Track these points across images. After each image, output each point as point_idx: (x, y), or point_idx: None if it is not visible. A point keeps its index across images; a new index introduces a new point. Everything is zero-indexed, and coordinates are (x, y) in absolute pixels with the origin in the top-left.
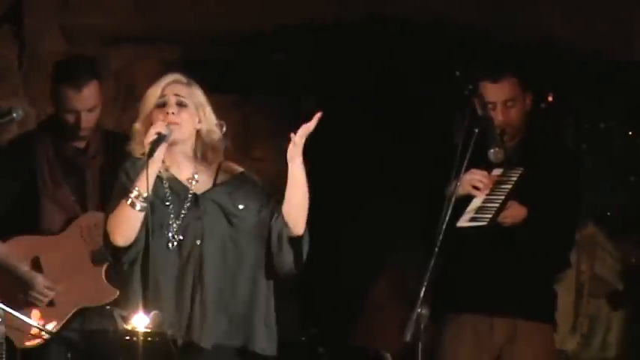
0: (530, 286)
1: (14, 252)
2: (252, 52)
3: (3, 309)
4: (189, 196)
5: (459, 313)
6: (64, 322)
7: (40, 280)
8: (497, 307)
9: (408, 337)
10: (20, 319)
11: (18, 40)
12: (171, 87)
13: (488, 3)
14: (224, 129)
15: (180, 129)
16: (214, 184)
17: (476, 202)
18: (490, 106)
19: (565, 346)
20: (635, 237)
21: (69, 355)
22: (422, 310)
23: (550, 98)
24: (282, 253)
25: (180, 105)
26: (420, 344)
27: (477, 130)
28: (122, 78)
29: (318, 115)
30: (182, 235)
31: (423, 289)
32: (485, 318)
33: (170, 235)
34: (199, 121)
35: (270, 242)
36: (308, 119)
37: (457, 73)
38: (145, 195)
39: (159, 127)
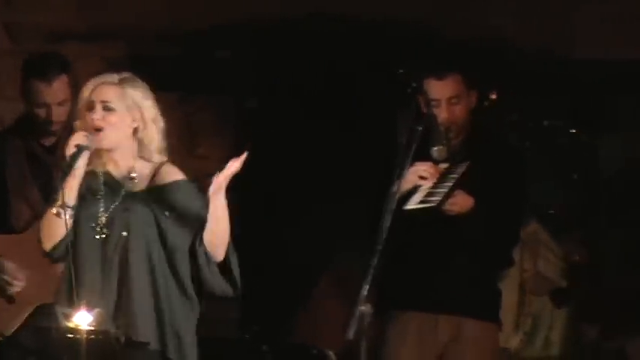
0: (476, 284)
1: None
2: (196, 50)
3: None
4: (123, 193)
5: (403, 310)
6: (23, 319)
7: (9, 264)
8: (441, 305)
9: (351, 335)
10: None
11: None
12: (97, 91)
13: (432, 1)
14: (161, 124)
15: (105, 134)
16: (148, 186)
17: (424, 189)
18: (434, 103)
19: (508, 344)
20: (578, 235)
21: (14, 354)
22: (365, 308)
23: (494, 96)
24: (214, 278)
25: (107, 109)
26: (363, 342)
27: (420, 129)
28: None
29: (244, 155)
30: (109, 227)
31: (366, 286)
32: (429, 316)
33: (97, 227)
34: (133, 120)
35: (199, 266)
36: (251, 118)
37: (400, 71)
38: (71, 204)
39: (78, 139)
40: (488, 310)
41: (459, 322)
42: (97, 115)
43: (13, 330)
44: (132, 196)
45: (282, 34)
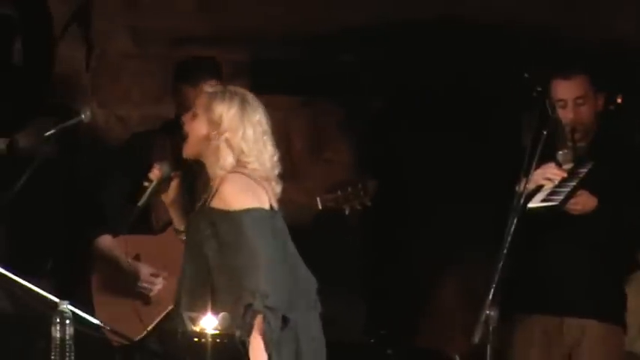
0: (600, 286)
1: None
2: (321, 53)
3: (72, 310)
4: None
5: (528, 313)
6: (157, 321)
7: (145, 270)
8: (566, 307)
9: (476, 339)
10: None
11: (86, 42)
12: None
13: (558, 3)
14: (242, 144)
15: (187, 142)
16: (208, 202)
17: (547, 188)
18: (560, 103)
19: (634, 347)
20: None
21: (138, 357)
22: (491, 312)
23: (619, 99)
24: None
25: (194, 116)
26: (489, 346)
27: (545, 132)
28: None
29: None
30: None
31: (492, 290)
32: (554, 318)
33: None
34: (214, 133)
35: None
36: (377, 121)
37: (526, 75)
38: (182, 229)
39: (152, 173)
40: (613, 313)
41: (584, 325)
42: (186, 119)
43: (142, 335)
44: (199, 207)
45: (406, 36)
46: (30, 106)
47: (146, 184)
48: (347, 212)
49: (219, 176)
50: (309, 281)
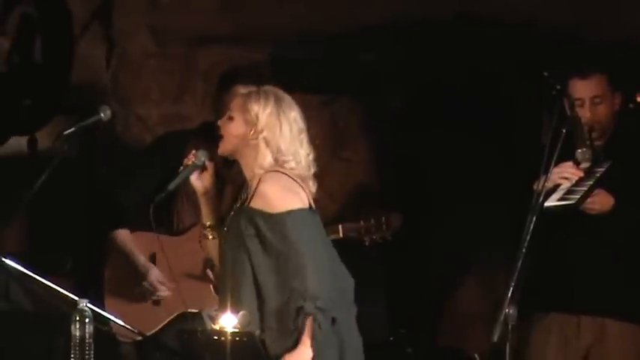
0: (619, 285)
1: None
2: (341, 52)
3: (91, 309)
4: (237, 204)
5: (545, 312)
6: (165, 323)
7: (155, 272)
8: (584, 306)
9: (495, 338)
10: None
11: (107, 41)
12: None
13: (577, 2)
14: (279, 142)
15: (222, 141)
16: (248, 201)
17: (564, 187)
18: (578, 102)
19: None
20: None
21: (157, 355)
22: (510, 311)
23: (639, 98)
24: None
25: (229, 118)
26: (508, 345)
27: (564, 131)
28: (210, 78)
29: None
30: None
31: (511, 289)
32: (571, 317)
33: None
34: (251, 133)
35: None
36: (396, 121)
37: (545, 73)
38: (208, 224)
39: (189, 158)
40: (632, 312)
41: (602, 324)
42: (221, 122)
43: (153, 331)
44: (237, 208)
45: (425, 35)
46: (50, 105)
47: (181, 168)
48: (367, 243)
49: (258, 175)
50: (347, 279)
